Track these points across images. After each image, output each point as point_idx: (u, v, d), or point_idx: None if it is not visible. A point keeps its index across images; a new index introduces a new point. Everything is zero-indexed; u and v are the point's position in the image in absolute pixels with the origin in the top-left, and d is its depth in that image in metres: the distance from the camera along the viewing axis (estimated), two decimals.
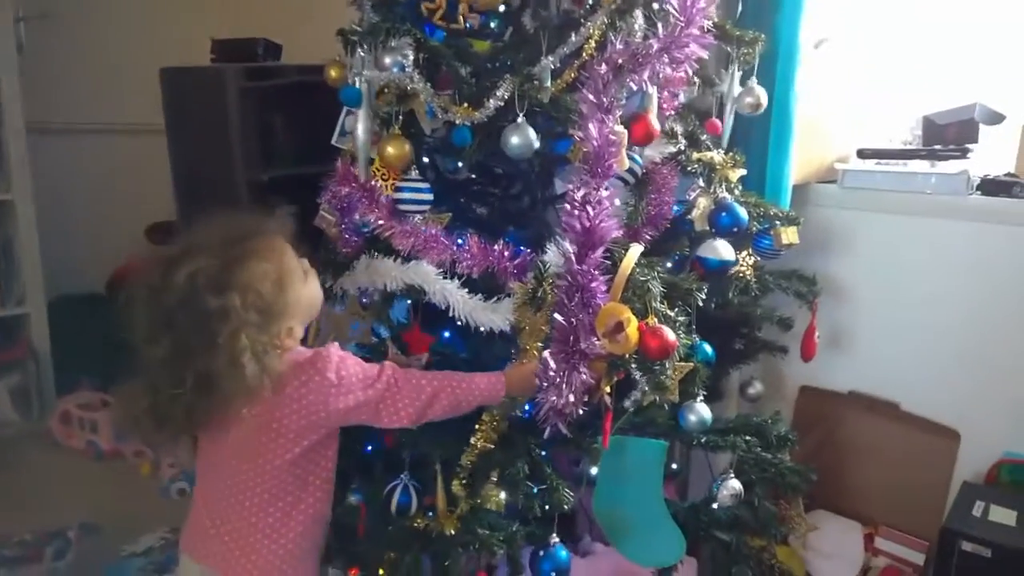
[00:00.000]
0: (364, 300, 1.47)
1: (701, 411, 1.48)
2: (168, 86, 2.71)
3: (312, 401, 1.26)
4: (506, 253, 1.40)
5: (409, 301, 1.46)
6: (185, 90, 2.68)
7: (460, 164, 1.53)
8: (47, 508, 2.48)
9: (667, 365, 1.31)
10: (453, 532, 1.44)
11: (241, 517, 1.32)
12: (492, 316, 1.39)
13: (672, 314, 1.34)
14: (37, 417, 3.10)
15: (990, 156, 1.95)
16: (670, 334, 1.27)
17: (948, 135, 1.98)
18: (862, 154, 2.03)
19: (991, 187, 1.86)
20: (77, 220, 3.24)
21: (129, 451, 2.87)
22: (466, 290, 1.41)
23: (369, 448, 1.61)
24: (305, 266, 1.32)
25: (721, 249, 1.50)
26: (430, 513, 1.50)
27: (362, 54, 1.34)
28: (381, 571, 1.54)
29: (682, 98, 1.61)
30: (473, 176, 1.74)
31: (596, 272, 1.27)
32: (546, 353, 1.28)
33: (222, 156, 2.59)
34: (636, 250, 1.33)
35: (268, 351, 1.20)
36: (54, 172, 3.20)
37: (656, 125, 1.35)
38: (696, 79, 1.61)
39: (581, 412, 1.30)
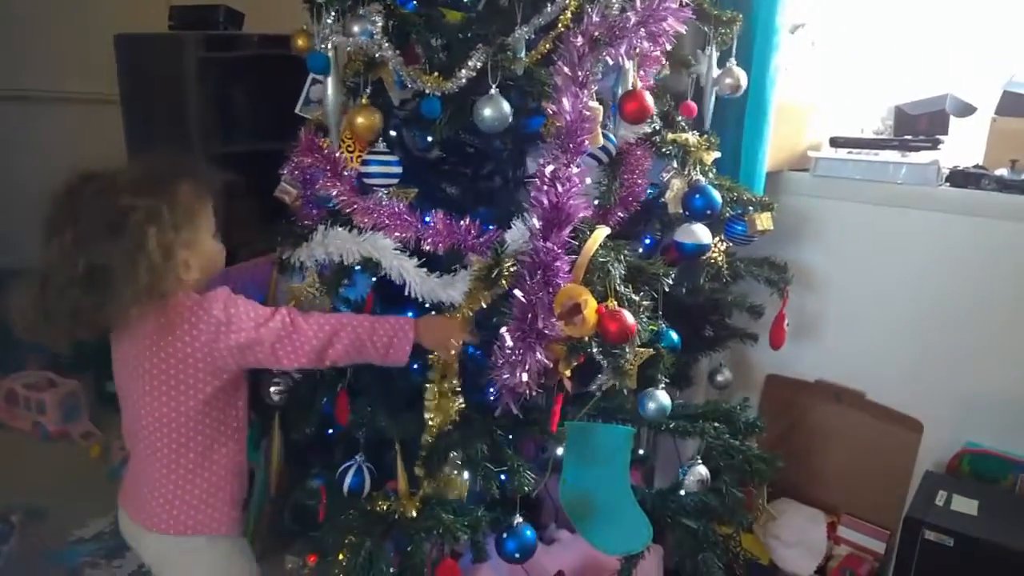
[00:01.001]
0: (325, 272, 1.42)
1: (661, 398, 1.45)
2: (123, 54, 2.59)
3: (204, 343, 1.27)
4: (472, 231, 1.36)
5: (371, 276, 1.41)
6: (141, 58, 2.57)
7: (430, 140, 1.47)
8: None
9: (627, 350, 1.28)
10: (415, 514, 1.41)
11: (156, 463, 1.34)
12: (451, 292, 1.35)
13: (636, 298, 1.31)
14: None
15: (959, 148, 1.96)
16: (629, 318, 1.23)
17: (919, 125, 1.98)
18: (835, 143, 2.02)
19: (960, 179, 1.86)
20: (25, 192, 3.10)
21: (77, 433, 2.79)
22: (424, 269, 1.37)
23: (330, 431, 1.56)
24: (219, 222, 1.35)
25: (699, 233, 1.48)
26: (391, 494, 1.46)
27: (329, 20, 1.28)
28: (341, 556, 1.49)
29: (652, 79, 1.57)
30: (443, 155, 1.69)
31: (560, 251, 1.23)
32: (504, 329, 1.25)
33: (178, 129, 2.49)
34: (602, 231, 1.30)
35: (165, 265, 1.22)
36: (3, 141, 3.08)
37: (651, 102, 1.31)
38: (666, 60, 1.58)
39: (536, 393, 1.27)
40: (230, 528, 1.41)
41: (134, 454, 1.39)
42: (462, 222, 1.36)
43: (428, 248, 1.36)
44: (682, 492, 1.57)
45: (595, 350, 1.25)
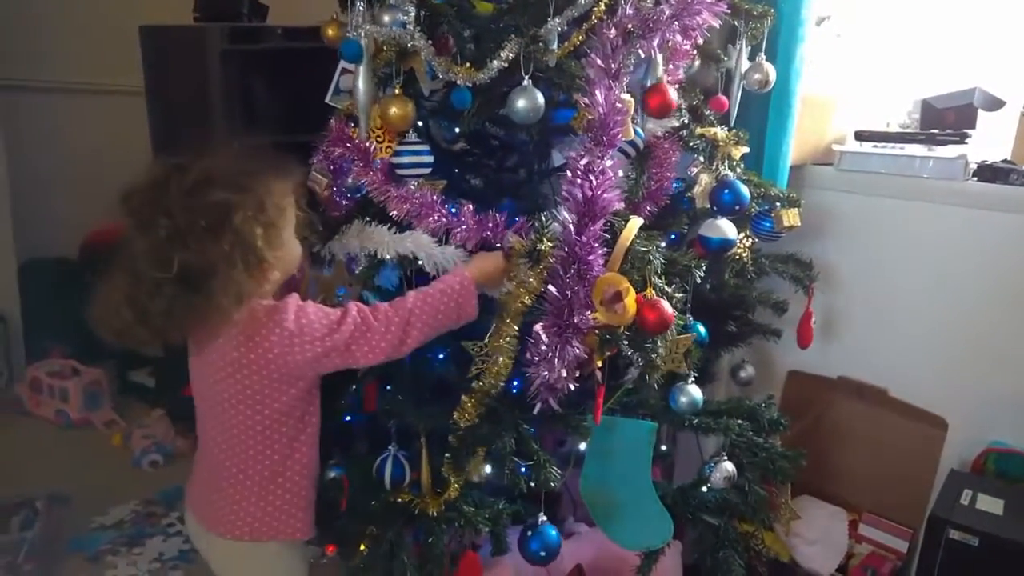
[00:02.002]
0: (353, 267, 1.42)
1: (692, 392, 1.46)
2: (147, 45, 2.61)
3: (278, 354, 1.23)
4: (501, 222, 1.35)
5: (399, 270, 1.41)
6: (165, 50, 2.59)
7: (457, 131, 1.47)
8: (14, 477, 2.43)
9: (659, 343, 1.28)
10: (436, 513, 1.41)
11: (233, 468, 1.30)
12: None
13: (670, 290, 1.31)
14: (6, 384, 3.03)
15: (987, 142, 1.94)
16: (668, 307, 1.24)
17: (946, 120, 1.96)
18: (860, 136, 2.00)
19: (988, 173, 1.84)
20: (51, 183, 3.14)
21: (99, 421, 2.82)
22: (461, 252, 1.36)
23: (348, 418, 1.56)
24: (304, 219, 1.30)
25: (724, 228, 1.47)
26: (414, 488, 1.46)
27: (361, 8, 1.28)
28: (362, 547, 1.50)
29: (682, 73, 1.57)
30: (468, 147, 1.69)
31: (595, 244, 1.23)
32: (538, 327, 1.24)
33: (202, 120, 2.50)
34: (636, 222, 1.29)
35: (259, 266, 1.18)
36: (28, 133, 3.10)
37: (674, 96, 1.30)
38: (697, 54, 1.57)
39: (572, 388, 1.26)
40: (305, 532, 1.39)
41: (207, 458, 1.35)
42: (491, 215, 1.35)
43: (457, 242, 1.35)
44: (706, 488, 1.56)
45: (625, 343, 1.24)
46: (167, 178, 1.15)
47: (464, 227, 1.33)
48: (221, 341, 1.23)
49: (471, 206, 1.37)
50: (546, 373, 1.23)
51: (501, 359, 1.28)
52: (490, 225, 1.33)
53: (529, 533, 1.41)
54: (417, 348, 1.31)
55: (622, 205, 1.28)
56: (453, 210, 1.38)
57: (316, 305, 1.27)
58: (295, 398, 1.29)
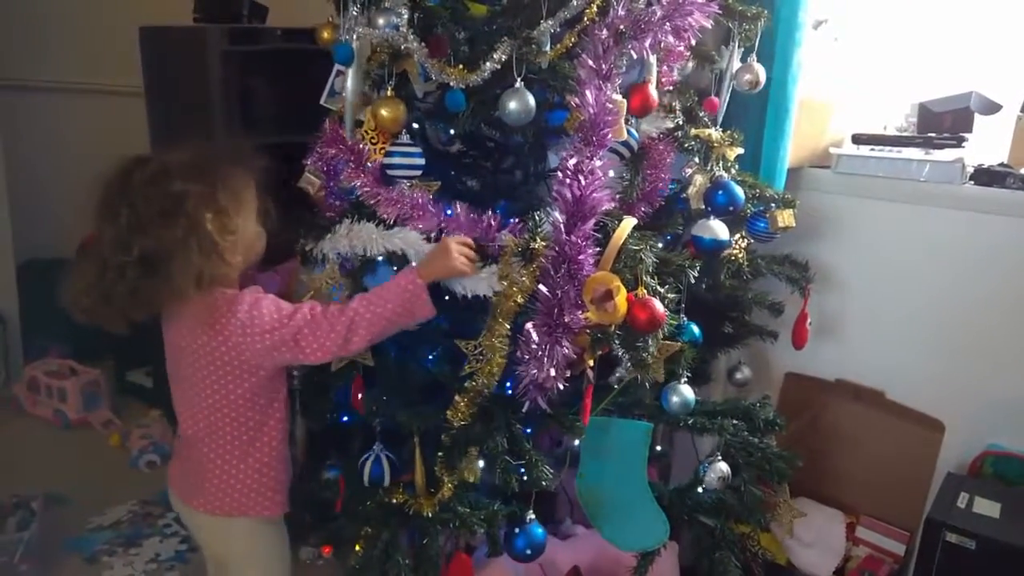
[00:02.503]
0: (346, 265, 1.42)
1: (684, 392, 1.46)
2: (147, 46, 2.61)
3: (234, 344, 1.29)
4: (494, 223, 1.36)
5: (394, 267, 1.41)
6: (165, 51, 2.59)
7: (452, 132, 1.47)
8: (11, 477, 2.42)
9: (650, 343, 1.28)
10: (431, 514, 1.41)
11: (203, 446, 1.38)
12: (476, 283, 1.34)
13: (662, 290, 1.30)
14: (3, 384, 3.03)
15: (984, 146, 1.93)
16: (659, 306, 1.23)
17: (943, 123, 1.96)
18: (857, 139, 2.00)
19: (984, 177, 1.84)
20: (49, 183, 3.14)
21: (97, 421, 2.82)
22: None
23: (345, 418, 1.57)
24: (261, 207, 1.35)
25: (716, 228, 1.47)
26: (408, 489, 1.46)
27: (355, 11, 1.28)
28: (357, 547, 1.50)
29: (676, 74, 1.57)
30: (464, 149, 1.69)
31: (585, 244, 1.23)
32: (529, 325, 1.25)
33: (202, 121, 2.50)
34: (630, 222, 1.29)
35: (215, 249, 1.25)
36: (26, 133, 3.10)
37: (655, 96, 1.30)
38: (691, 55, 1.57)
39: (562, 387, 1.27)
40: (275, 510, 1.44)
41: (182, 436, 1.42)
42: (484, 215, 1.36)
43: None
44: (701, 489, 1.56)
45: (616, 342, 1.24)
46: (130, 171, 1.25)
47: (456, 227, 1.33)
48: (188, 326, 1.30)
49: (465, 207, 1.37)
50: (535, 372, 1.24)
51: (494, 358, 1.28)
52: (483, 225, 1.33)
53: (516, 531, 1.41)
54: (371, 346, 1.36)
55: (613, 205, 1.28)
56: (449, 212, 1.39)
57: (273, 299, 1.33)
58: (257, 386, 1.34)
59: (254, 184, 1.34)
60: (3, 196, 2.91)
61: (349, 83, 1.32)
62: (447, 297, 1.38)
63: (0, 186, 2.90)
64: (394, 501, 1.46)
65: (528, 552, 1.42)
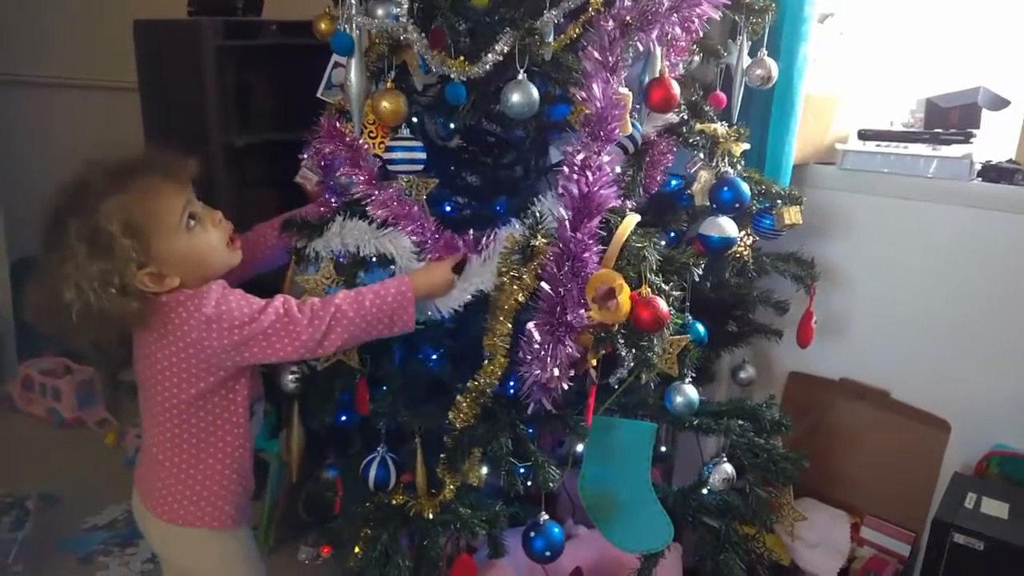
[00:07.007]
0: (341, 262, 1.39)
1: (688, 392, 1.43)
2: (141, 40, 2.57)
3: (195, 339, 1.23)
4: (470, 243, 1.35)
5: (392, 267, 1.38)
6: (159, 45, 2.55)
7: (452, 127, 1.44)
8: (5, 477, 2.40)
9: (655, 341, 1.25)
10: (431, 515, 1.39)
11: (156, 448, 1.34)
12: (473, 279, 1.32)
13: (667, 288, 1.28)
14: None
15: (992, 142, 1.91)
16: (663, 305, 1.21)
17: (950, 119, 1.93)
18: (863, 135, 1.97)
19: (992, 173, 1.81)
20: (43, 179, 3.10)
21: (92, 420, 2.79)
22: None
23: (344, 418, 1.54)
24: (200, 215, 1.28)
25: (725, 226, 1.44)
26: (409, 490, 1.44)
27: (353, 1, 1.25)
28: (356, 549, 1.48)
29: (681, 68, 1.54)
30: (465, 144, 1.66)
31: (590, 241, 1.20)
32: (531, 324, 1.22)
33: (197, 116, 2.47)
34: (633, 218, 1.27)
35: (103, 290, 1.17)
36: (18, 128, 3.07)
37: (677, 90, 1.27)
38: (697, 49, 1.55)
39: (566, 387, 1.24)
40: (224, 523, 1.38)
41: (145, 439, 1.39)
42: (463, 238, 1.34)
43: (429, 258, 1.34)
44: (705, 490, 1.54)
45: (620, 342, 1.21)
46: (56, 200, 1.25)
47: (436, 247, 1.32)
48: (144, 327, 1.26)
49: (448, 232, 1.36)
50: (538, 372, 1.21)
51: (496, 357, 1.25)
52: (459, 245, 1.31)
53: (532, 533, 1.38)
54: (343, 350, 1.32)
55: (619, 201, 1.25)
56: (448, 208, 1.36)
57: (241, 293, 1.27)
58: (213, 386, 1.29)
59: (181, 194, 1.26)
60: None
61: (352, 75, 1.28)
62: None
63: None
64: (394, 502, 1.43)
65: (547, 553, 1.38)
